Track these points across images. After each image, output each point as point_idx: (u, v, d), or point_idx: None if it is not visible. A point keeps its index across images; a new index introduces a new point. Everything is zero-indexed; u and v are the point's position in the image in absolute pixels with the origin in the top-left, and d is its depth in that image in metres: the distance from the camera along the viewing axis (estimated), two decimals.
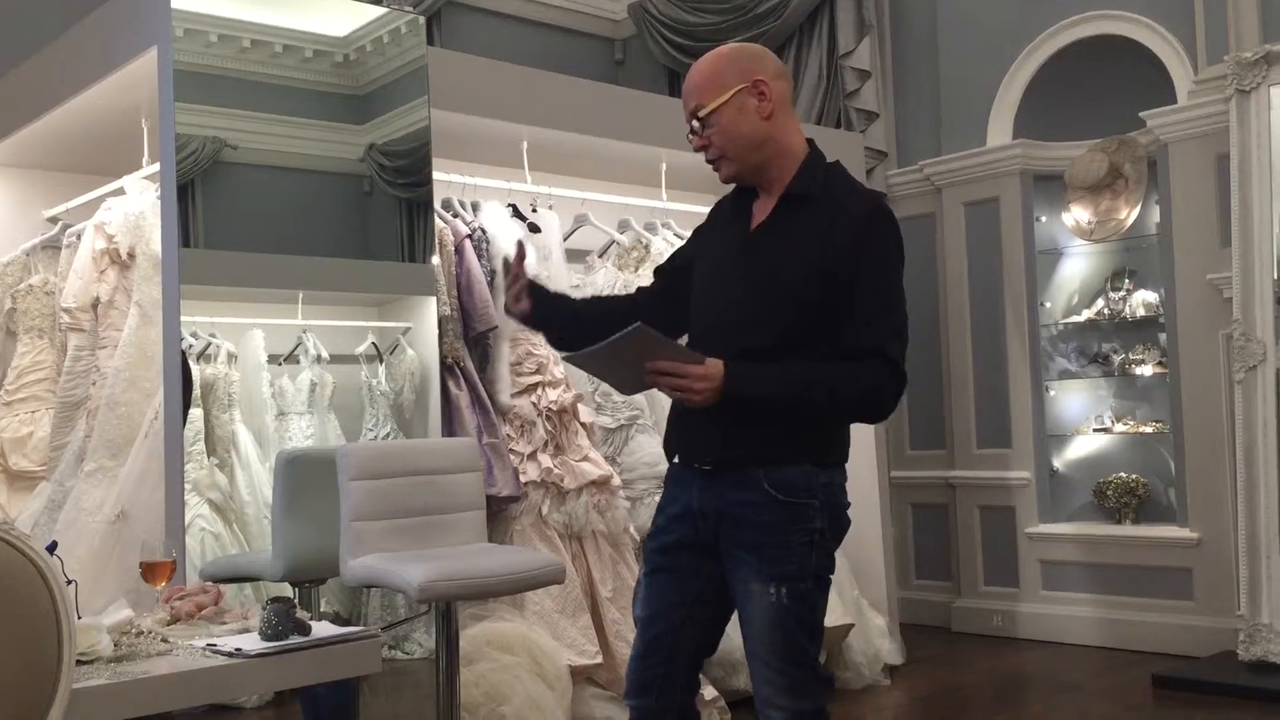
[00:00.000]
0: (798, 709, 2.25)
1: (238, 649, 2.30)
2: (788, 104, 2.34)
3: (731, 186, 2.45)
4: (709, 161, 2.36)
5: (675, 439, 2.40)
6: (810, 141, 2.38)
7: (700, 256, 2.45)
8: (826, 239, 2.22)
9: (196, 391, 3.89)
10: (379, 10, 3.97)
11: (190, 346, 3.86)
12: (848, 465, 5.39)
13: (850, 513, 5.59)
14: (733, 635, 4.31)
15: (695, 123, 2.31)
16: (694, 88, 2.31)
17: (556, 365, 4.27)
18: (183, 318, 3.45)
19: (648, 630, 2.39)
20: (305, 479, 3.34)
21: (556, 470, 4.19)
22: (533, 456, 4.19)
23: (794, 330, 2.23)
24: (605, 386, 4.54)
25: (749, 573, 2.25)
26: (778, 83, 2.31)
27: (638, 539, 4.32)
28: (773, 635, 2.24)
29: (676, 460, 2.39)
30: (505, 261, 2.38)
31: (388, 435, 4.08)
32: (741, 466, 2.25)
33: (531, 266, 4.31)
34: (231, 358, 4.07)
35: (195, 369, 3.89)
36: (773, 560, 2.23)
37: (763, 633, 2.25)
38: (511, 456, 4.14)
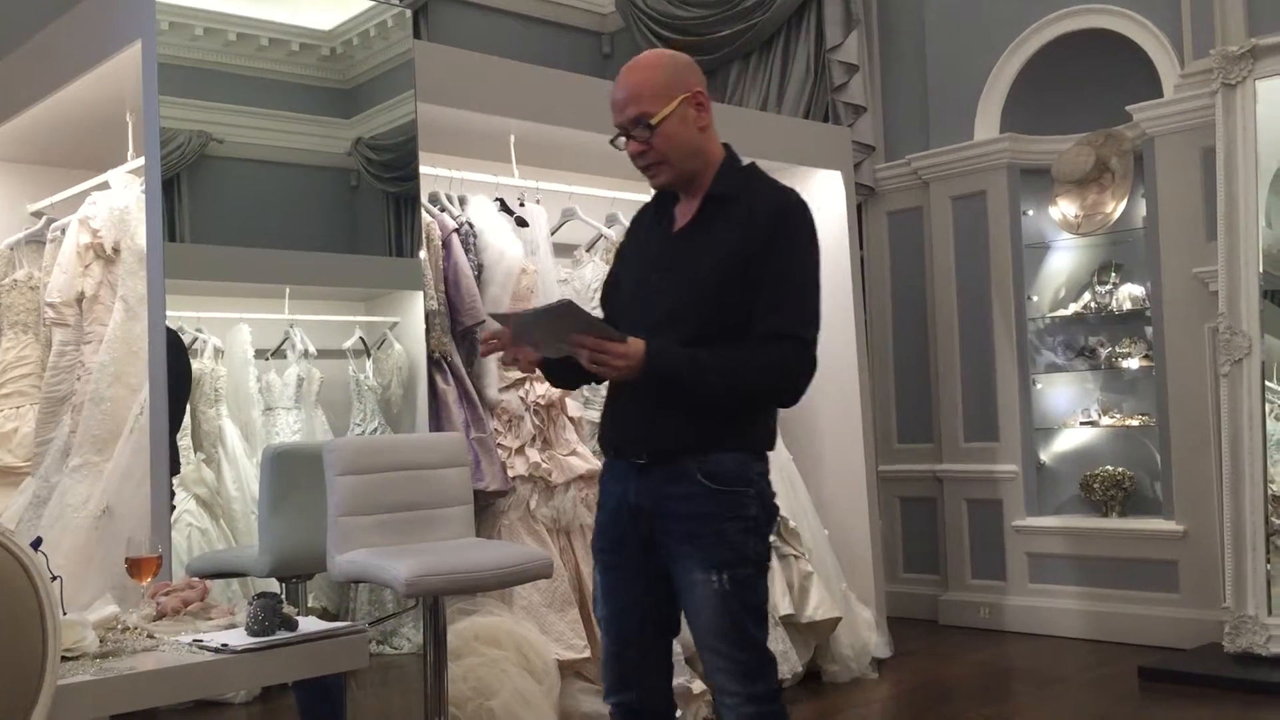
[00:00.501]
0: (751, 693, 2.30)
1: (224, 645, 2.30)
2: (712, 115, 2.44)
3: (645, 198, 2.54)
4: (644, 166, 2.41)
5: (610, 435, 2.46)
6: (726, 145, 2.46)
7: (626, 266, 2.53)
8: (744, 234, 2.30)
9: None
10: (366, 4, 3.96)
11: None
12: (836, 458, 5.37)
13: (838, 506, 5.59)
14: None
15: (638, 129, 2.35)
16: (636, 94, 2.35)
17: None
18: (168, 313, 3.44)
19: (614, 627, 2.45)
20: (292, 474, 3.33)
21: (544, 465, 4.19)
22: (520, 451, 4.19)
23: (718, 324, 2.30)
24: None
25: (690, 564, 2.30)
26: (707, 96, 2.41)
27: None
28: (719, 623, 2.29)
29: (612, 455, 2.45)
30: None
31: (375, 430, 4.07)
32: (674, 459, 2.30)
33: (518, 261, 4.31)
34: (218, 353, 4.06)
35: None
36: (711, 548, 2.28)
37: (710, 622, 2.30)
38: (499, 451, 4.14)
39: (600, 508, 2.48)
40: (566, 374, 2.47)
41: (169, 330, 3.57)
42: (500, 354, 2.41)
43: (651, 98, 2.33)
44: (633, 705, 2.43)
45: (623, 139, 2.40)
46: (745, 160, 2.47)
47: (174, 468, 3.67)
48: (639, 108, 2.34)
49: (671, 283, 2.35)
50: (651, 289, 2.38)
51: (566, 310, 2.22)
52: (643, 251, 2.48)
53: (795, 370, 2.29)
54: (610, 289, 2.60)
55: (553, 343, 2.30)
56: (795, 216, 2.34)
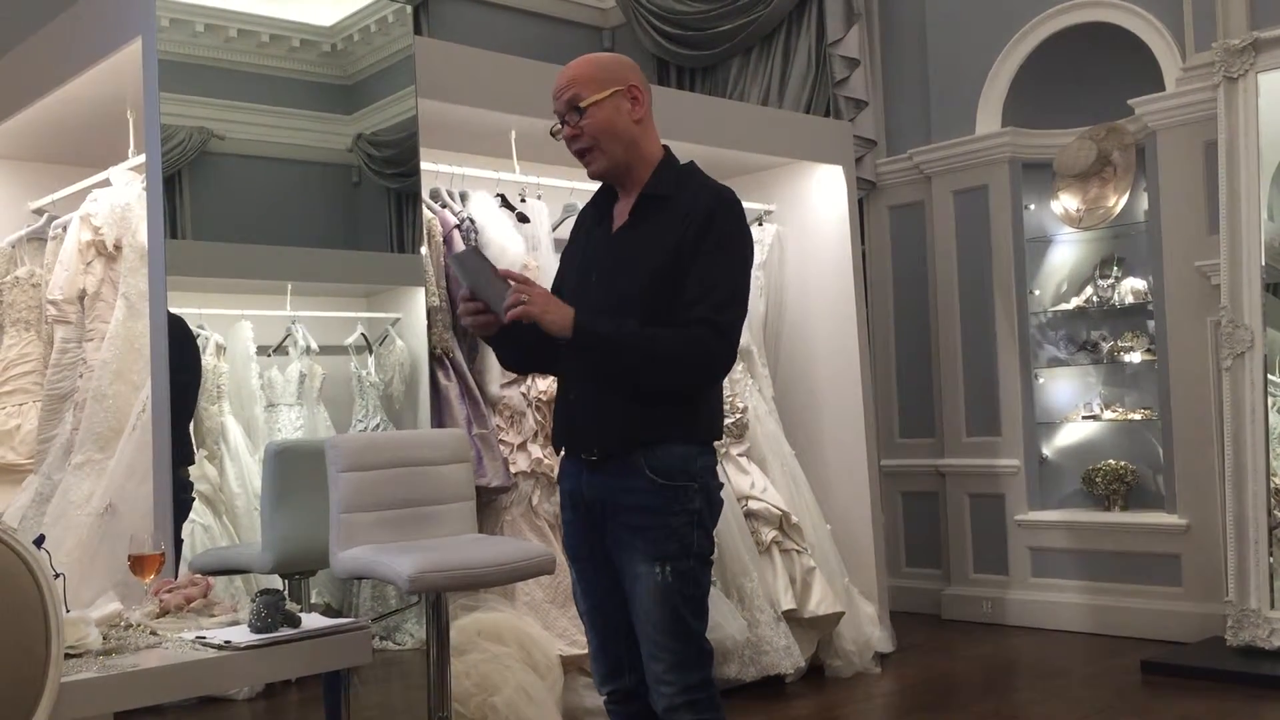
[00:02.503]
0: (685, 683, 2.37)
1: (227, 641, 2.30)
2: (651, 114, 2.51)
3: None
4: (578, 151, 2.48)
5: (562, 432, 2.53)
6: (665, 147, 2.54)
7: (570, 268, 2.60)
8: (680, 233, 2.39)
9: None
10: (366, 0, 3.96)
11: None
12: (838, 453, 5.35)
13: (840, 500, 5.59)
14: (722, 624, 4.32)
15: (571, 114, 2.45)
16: (573, 81, 2.46)
17: None
18: (170, 309, 3.44)
19: (598, 618, 2.52)
20: (294, 471, 3.33)
21: (546, 460, 4.19)
22: (522, 447, 4.19)
23: (655, 320, 2.36)
24: None
25: (634, 555, 2.38)
26: (646, 94, 2.49)
27: None
28: (660, 613, 2.36)
29: (564, 452, 2.53)
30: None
31: (377, 426, 4.07)
32: (624, 454, 2.38)
33: (520, 257, 4.31)
34: (220, 349, 4.05)
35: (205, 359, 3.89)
36: (656, 541, 2.36)
37: (650, 611, 2.37)
38: (501, 447, 4.14)
39: (564, 507, 2.57)
40: (514, 353, 2.58)
41: (178, 320, 3.57)
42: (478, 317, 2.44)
43: (587, 84, 2.44)
44: (628, 690, 2.49)
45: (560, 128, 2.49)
46: (690, 160, 2.56)
47: (188, 457, 3.67)
48: (572, 91, 2.45)
49: (610, 282, 2.43)
50: (591, 288, 2.44)
51: (474, 255, 2.37)
52: (584, 252, 2.55)
53: (713, 352, 2.36)
54: (556, 293, 2.65)
55: (491, 294, 2.37)
56: (725, 213, 2.42)
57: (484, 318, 2.42)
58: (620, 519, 2.40)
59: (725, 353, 2.38)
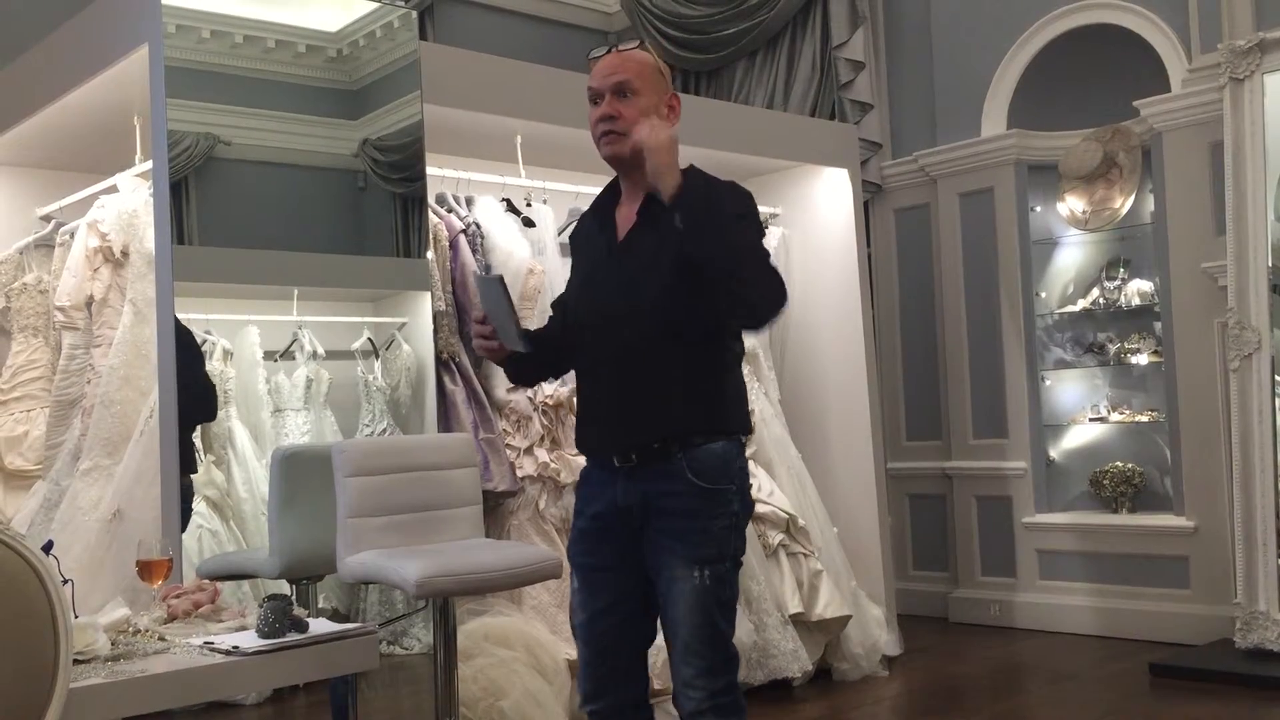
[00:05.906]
0: (713, 689, 2.37)
1: (235, 647, 2.31)
2: None
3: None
4: (605, 132, 2.44)
5: (591, 438, 2.49)
6: None
7: (579, 276, 2.59)
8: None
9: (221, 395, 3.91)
10: (371, 5, 3.97)
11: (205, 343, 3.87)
12: (844, 456, 5.33)
13: (847, 503, 5.58)
14: None
15: (618, 95, 2.41)
16: (633, 69, 2.43)
17: None
18: (177, 315, 3.45)
19: (590, 632, 2.48)
20: (302, 475, 3.33)
21: (553, 464, 4.19)
22: (529, 451, 4.19)
23: (675, 320, 2.36)
24: None
25: (674, 559, 2.36)
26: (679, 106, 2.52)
27: None
28: (693, 618, 2.35)
29: (594, 456, 2.50)
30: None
31: (384, 431, 4.08)
32: (661, 454, 2.36)
33: (526, 261, 4.32)
34: (227, 355, 4.06)
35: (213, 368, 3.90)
36: (696, 545, 2.35)
37: (685, 616, 2.35)
38: (508, 451, 4.15)
39: (579, 514, 2.52)
40: (519, 368, 2.58)
41: (186, 330, 3.58)
42: (486, 342, 2.47)
43: (644, 78, 2.44)
44: (610, 712, 2.46)
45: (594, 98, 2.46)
46: (689, 163, 2.53)
47: (191, 466, 3.68)
48: (627, 76, 2.42)
49: (626, 288, 2.41)
50: (605, 295, 2.43)
51: (497, 284, 2.38)
52: (590, 257, 2.53)
53: (772, 295, 2.32)
54: (562, 302, 2.66)
55: (503, 325, 2.41)
56: (737, 197, 2.41)
57: (491, 343, 2.45)
58: (660, 524, 2.37)
59: (780, 302, 2.32)
